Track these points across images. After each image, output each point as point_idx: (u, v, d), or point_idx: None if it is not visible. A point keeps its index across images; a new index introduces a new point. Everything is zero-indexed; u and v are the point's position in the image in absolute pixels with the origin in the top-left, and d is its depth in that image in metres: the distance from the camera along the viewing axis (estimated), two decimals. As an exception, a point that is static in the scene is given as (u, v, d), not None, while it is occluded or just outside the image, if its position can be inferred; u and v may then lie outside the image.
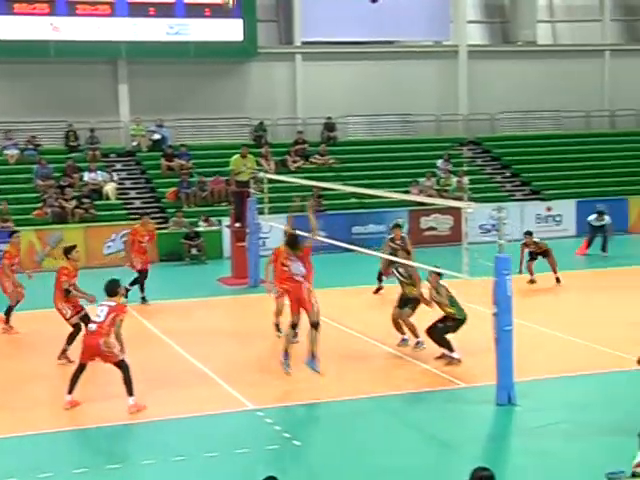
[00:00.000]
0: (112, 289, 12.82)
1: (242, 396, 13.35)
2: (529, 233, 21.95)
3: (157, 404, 12.99)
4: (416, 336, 15.48)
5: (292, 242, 14.94)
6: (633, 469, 8.08)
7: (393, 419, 12.52)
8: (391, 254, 17.51)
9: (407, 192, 27.75)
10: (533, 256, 21.37)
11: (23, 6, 29.54)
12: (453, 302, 14.87)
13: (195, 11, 30.93)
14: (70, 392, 12.82)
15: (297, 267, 14.56)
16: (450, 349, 14.78)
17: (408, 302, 15.49)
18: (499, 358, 12.68)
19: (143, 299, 20.12)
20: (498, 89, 34.27)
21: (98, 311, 12.71)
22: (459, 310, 14.88)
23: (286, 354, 14.33)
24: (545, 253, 21.31)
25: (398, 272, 15.72)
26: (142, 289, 20.18)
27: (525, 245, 21.44)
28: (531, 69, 34.94)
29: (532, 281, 21.15)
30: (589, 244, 25.69)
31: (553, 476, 10.36)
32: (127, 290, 19.51)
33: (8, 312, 17.91)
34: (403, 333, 15.82)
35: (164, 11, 30.72)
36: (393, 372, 14.63)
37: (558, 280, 21.02)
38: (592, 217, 25.86)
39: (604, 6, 36.47)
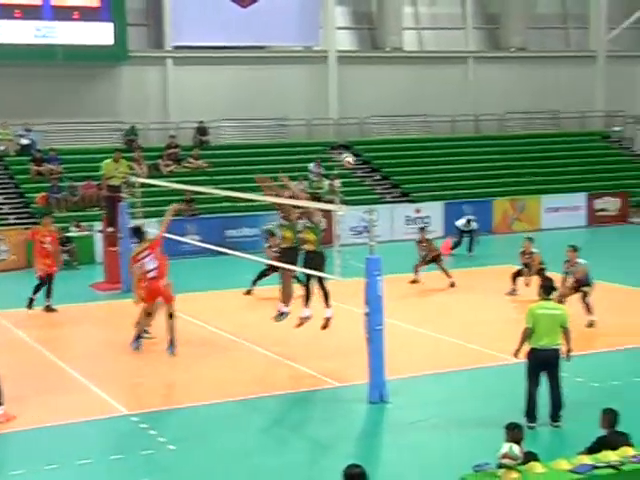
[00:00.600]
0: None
1: (116, 402, 13.14)
2: (422, 229, 22.48)
3: (30, 412, 12.66)
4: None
5: (136, 233, 15.64)
6: (499, 460, 8.32)
7: (268, 420, 12.54)
8: None
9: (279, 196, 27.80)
10: (426, 260, 21.58)
11: None
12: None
13: (63, 14, 30.19)
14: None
15: (150, 263, 14.67)
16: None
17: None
18: (371, 357, 12.85)
19: (47, 307, 19.36)
20: (367, 94, 34.73)
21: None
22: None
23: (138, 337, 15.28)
24: (436, 258, 21.58)
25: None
26: (48, 295, 19.38)
27: (419, 242, 21.81)
28: (399, 75, 35.55)
29: (415, 281, 21.46)
30: (456, 246, 26.24)
31: (424, 469, 10.58)
32: (31, 301, 18.94)
33: None
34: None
35: (31, 14, 29.87)
36: (267, 374, 14.65)
37: (453, 285, 21.18)
38: (460, 222, 26.45)
39: (466, 15, 37.44)
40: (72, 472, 10.62)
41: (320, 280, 14.68)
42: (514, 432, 8.74)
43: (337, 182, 30.29)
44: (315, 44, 35.23)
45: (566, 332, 11.73)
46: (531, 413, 11.57)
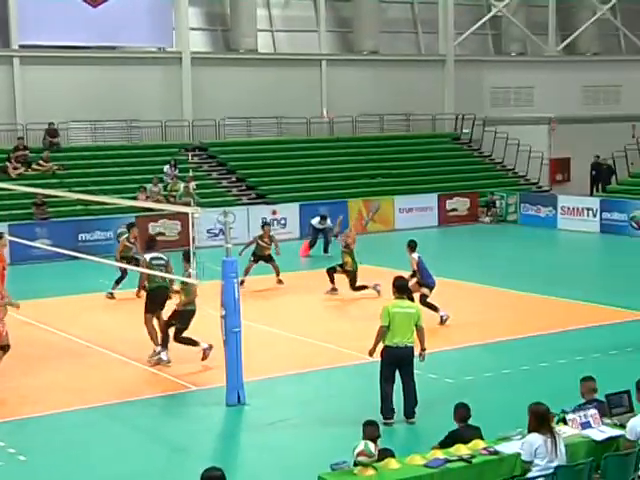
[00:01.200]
0: None
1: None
2: (267, 224, 22.43)
3: None
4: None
5: None
6: (355, 458, 8.42)
7: (124, 427, 12.31)
8: None
9: (134, 198, 27.43)
10: (256, 259, 21.57)
11: None
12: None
13: None
14: None
15: None
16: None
17: None
18: (228, 359, 12.81)
19: None
20: (222, 95, 34.59)
21: None
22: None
23: None
24: (268, 258, 21.57)
25: None
26: None
27: (260, 238, 21.41)
28: (253, 76, 35.55)
29: (242, 282, 20.94)
30: (312, 245, 26.49)
31: (283, 469, 10.61)
32: None
33: None
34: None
35: None
36: (123, 379, 14.39)
37: (280, 282, 21.45)
38: (315, 220, 26.70)
39: (320, 18, 37.80)
40: None
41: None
42: (370, 429, 8.86)
43: (192, 184, 30.10)
44: (168, 45, 34.86)
45: (420, 330, 11.94)
46: (387, 410, 11.77)
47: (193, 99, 34.44)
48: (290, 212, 30.34)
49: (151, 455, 11.24)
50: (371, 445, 8.39)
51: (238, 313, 12.78)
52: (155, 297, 15.22)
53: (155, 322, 15.22)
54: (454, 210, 33.40)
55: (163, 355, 14.85)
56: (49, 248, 22.89)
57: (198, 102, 34.40)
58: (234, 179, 33.05)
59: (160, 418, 12.69)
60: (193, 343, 14.75)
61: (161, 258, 15.46)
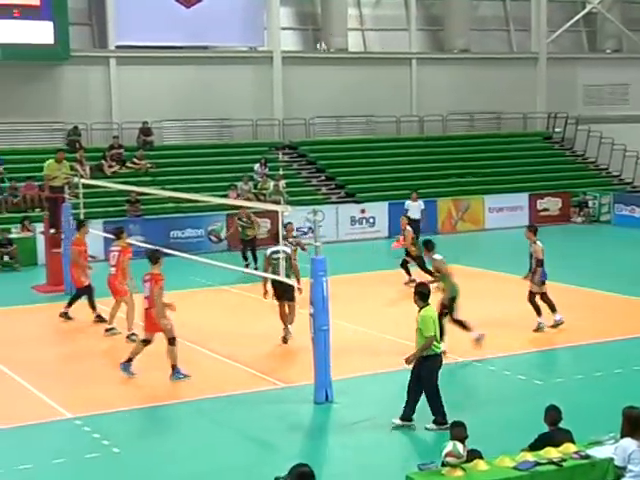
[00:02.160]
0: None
1: (59, 405, 12.95)
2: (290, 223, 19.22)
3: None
4: None
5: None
6: (443, 459, 8.36)
7: (213, 422, 12.45)
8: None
9: (225, 196, 27.71)
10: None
11: None
12: None
13: (3, 12, 29.73)
14: None
15: (145, 290, 14.48)
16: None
17: None
18: (316, 357, 12.84)
19: None
20: (312, 94, 34.72)
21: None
22: None
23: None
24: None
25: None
26: None
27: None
28: (343, 75, 35.60)
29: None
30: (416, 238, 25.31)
31: (370, 468, 10.58)
32: None
33: None
34: None
35: (-31, 11, 29.40)
36: (213, 375, 14.56)
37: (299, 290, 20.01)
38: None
39: (410, 17, 37.63)
40: (13, 478, 10.44)
41: None
42: (458, 430, 8.78)
43: (282, 183, 30.28)
44: (260, 45, 35.14)
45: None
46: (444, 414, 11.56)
47: (284, 98, 34.64)
48: (379, 211, 30.28)
49: (239, 450, 11.33)
50: (459, 446, 8.32)
51: (326, 311, 12.80)
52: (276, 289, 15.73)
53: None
54: (545, 210, 32.91)
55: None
56: (141, 245, 23.27)
57: (288, 101, 34.59)
58: (323, 178, 33.15)
59: (248, 414, 12.79)
60: None
61: (280, 252, 15.33)
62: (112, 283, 16.98)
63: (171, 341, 14.07)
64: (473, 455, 8.57)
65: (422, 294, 11.67)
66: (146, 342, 14.29)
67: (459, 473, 8.23)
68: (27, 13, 30.11)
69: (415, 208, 26.34)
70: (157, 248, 15.09)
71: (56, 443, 11.59)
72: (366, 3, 37.81)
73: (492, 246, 29.16)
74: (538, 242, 16.50)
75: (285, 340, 15.92)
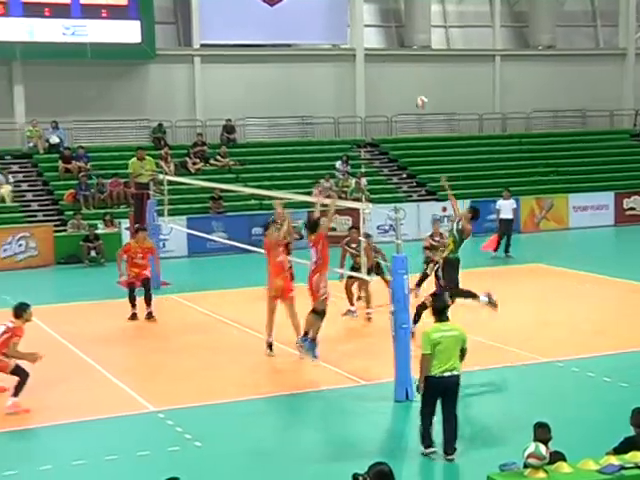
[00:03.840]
0: (17, 311, 12.81)
1: (143, 398, 13.18)
2: (355, 227, 18.34)
3: (56, 408, 12.75)
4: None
5: (312, 226, 14.79)
6: (525, 460, 8.26)
7: (293, 418, 12.53)
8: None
9: (308, 193, 27.77)
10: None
11: None
12: None
13: (92, 12, 30.39)
14: None
15: (311, 254, 14.51)
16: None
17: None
18: (397, 355, 12.81)
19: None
20: (394, 92, 34.60)
21: None
22: None
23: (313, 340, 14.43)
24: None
25: None
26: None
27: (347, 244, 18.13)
28: (426, 73, 35.42)
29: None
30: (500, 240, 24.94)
31: (450, 467, 10.52)
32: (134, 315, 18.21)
33: None
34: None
35: (60, 12, 30.09)
36: (293, 371, 14.64)
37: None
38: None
39: (495, 13, 37.26)
40: (99, 467, 10.67)
41: None
42: (541, 431, 8.67)
43: (363, 180, 30.26)
44: (342, 42, 35.18)
45: (464, 354, 10.66)
46: (429, 443, 10.72)
47: (366, 95, 34.64)
48: (461, 209, 29.90)
49: (319, 446, 11.37)
50: (542, 447, 8.21)
51: (407, 309, 12.77)
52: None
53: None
54: (632, 209, 32.24)
55: None
56: (224, 241, 23.54)
57: (370, 98, 34.57)
58: (405, 176, 33.03)
59: (328, 411, 12.83)
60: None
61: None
62: None
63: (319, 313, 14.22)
64: (556, 457, 8.45)
65: (433, 309, 10.90)
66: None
67: (541, 475, 8.12)
68: (115, 13, 30.71)
69: (507, 207, 25.82)
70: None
71: (140, 435, 11.80)
72: (450, 0, 37.55)
73: (576, 245, 28.69)
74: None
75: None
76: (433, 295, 10.79)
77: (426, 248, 19.05)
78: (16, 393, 12.51)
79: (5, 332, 12.71)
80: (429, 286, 16.88)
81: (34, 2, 29.77)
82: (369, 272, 16.14)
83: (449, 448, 10.58)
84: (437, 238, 19.40)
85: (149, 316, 18.20)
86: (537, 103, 36.48)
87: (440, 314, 10.61)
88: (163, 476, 7.01)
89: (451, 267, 15.31)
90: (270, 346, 15.16)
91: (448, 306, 10.82)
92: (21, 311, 12.89)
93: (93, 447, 11.27)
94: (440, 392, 10.42)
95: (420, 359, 10.49)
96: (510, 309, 18.76)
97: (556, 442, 8.71)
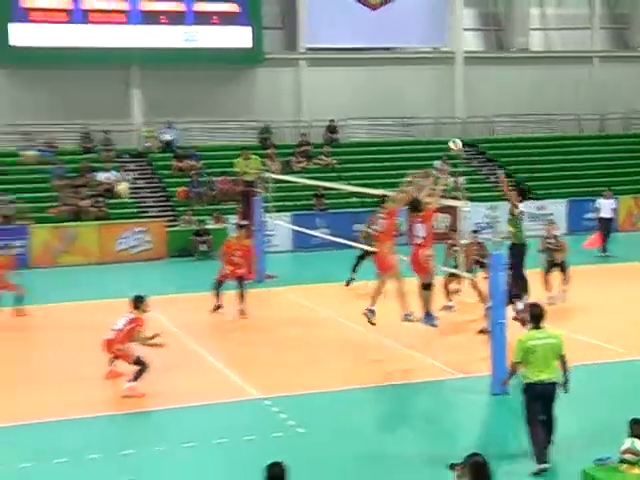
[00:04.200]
0: (135, 303, 13.37)
1: (249, 386, 13.39)
2: (475, 231, 18.69)
3: (168, 393, 13.06)
4: None
5: (415, 205, 14.82)
6: (620, 455, 8.13)
7: (392, 408, 12.57)
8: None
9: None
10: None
11: (40, 14, 29.60)
12: None
13: (204, 19, 30.95)
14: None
15: (418, 230, 14.58)
16: None
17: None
18: (493, 350, 12.72)
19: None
20: (493, 93, 34.25)
21: (119, 319, 13.36)
22: None
23: (429, 314, 14.74)
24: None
25: None
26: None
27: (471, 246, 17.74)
28: (524, 74, 34.93)
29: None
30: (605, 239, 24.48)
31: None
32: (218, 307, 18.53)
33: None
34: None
35: (175, 19, 30.74)
36: (391, 363, 14.66)
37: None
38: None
39: (594, 15, 36.46)
40: (209, 450, 10.90)
41: None
42: (637, 427, 8.50)
43: (461, 179, 29.97)
44: (442, 45, 34.96)
45: (563, 361, 10.17)
46: (541, 454, 10.05)
47: (465, 97, 34.36)
48: (557, 208, 29.55)
49: (417, 437, 11.39)
50: (638, 443, 8.07)
51: (504, 305, 12.67)
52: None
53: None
54: None
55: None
56: (327, 237, 23.67)
57: (469, 99, 34.28)
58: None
59: (426, 402, 12.83)
60: None
61: None
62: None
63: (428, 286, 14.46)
64: (651, 454, 8.28)
65: (531, 316, 10.38)
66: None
67: (637, 471, 7.99)
68: (226, 19, 31.17)
69: (607, 206, 25.39)
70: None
71: (247, 421, 11.99)
72: (549, 2, 36.90)
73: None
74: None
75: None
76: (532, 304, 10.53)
77: (541, 251, 18.85)
78: (135, 379, 12.88)
79: (129, 323, 13.22)
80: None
81: (152, 11, 30.47)
82: (471, 270, 16.24)
83: (546, 456, 10.06)
84: (552, 240, 19.02)
85: (241, 313, 18.21)
86: (635, 104, 35.56)
87: (537, 321, 10.18)
88: (268, 460, 7.13)
89: (518, 252, 15.36)
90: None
91: (544, 313, 10.31)
92: (138, 303, 13.35)
93: (202, 431, 11.52)
94: (537, 398, 10.10)
95: (510, 364, 10.37)
96: (610, 307, 18.34)
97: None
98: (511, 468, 10.14)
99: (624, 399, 12.28)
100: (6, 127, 29.79)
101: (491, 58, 35.41)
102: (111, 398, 13.03)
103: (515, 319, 14.46)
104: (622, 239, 28.07)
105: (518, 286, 15.19)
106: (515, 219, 15.72)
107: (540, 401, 10.09)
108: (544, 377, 9.97)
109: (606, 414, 11.71)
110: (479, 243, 17.81)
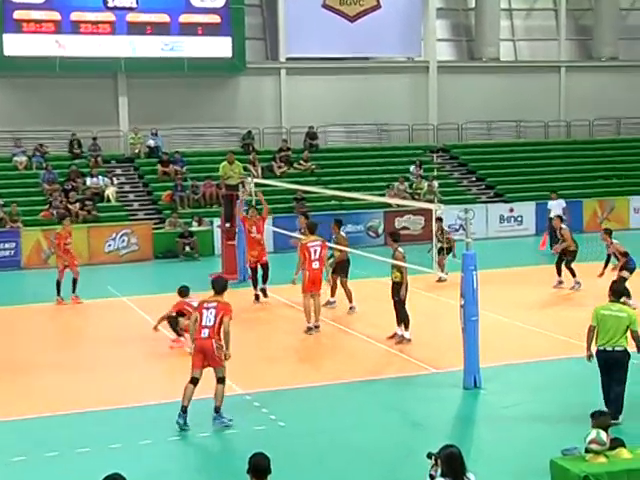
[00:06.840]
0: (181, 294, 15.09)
1: (231, 381, 13.27)
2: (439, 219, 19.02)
3: (150, 389, 12.94)
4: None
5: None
6: (586, 445, 8.14)
7: (369, 402, 12.52)
8: None
9: (383, 195, 27.77)
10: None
11: (31, 25, 29.42)
12: None
13: (188, 30, 30.84)
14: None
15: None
16: None
17: None
18: (466, 345, 12.72)
19: (263, 290, 19.57)
20: (465, 101, 34.38)
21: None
22: None
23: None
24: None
25: None
26: (264, 281, 19.65)
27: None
28: (495, 83, 35.07)
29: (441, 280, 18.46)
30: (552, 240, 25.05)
31: (515, 450, 10.42)
32: (257, 296, 19.25)
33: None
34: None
35: (160, 30, 30.59)
36: (368, 359, 14.65)
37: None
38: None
39: (560, 27, 36.68)
40: (193, 444, 10.85)
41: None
42: (601, 419, 8.52)
43: (435, 183, 30.11)
44: (417, 55, 35.04)
45: (635, 335, 10.71)
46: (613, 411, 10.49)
47: (438, 104, 34.45)
48: (526, 210, 29.69)
49: (393, 429, 11.36)
50: (603, 434, 8.08)
51: (476, 303, 12.67)
52: None
53: None
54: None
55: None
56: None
57: (442, 107, 34.38)
58: (474, 179, 32.75)
59: (399, 396, 12.79)
60: None
61: None
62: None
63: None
64: (616, 443, 8.31)
65: (611, 289, 11.12)
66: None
67: (602, 460, 8.00)
68: (209, 30, 31.09)
69: (556, 207, 25.67)
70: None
71: (230, 415, 11.91)
72: (518, 14, 37.07)
73: (636, 245, 28.02)
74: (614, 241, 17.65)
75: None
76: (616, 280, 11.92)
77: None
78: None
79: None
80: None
81: (137, 22, 30.32)
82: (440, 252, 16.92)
83: (613, 413, 10.25)
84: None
85: (263, 292, 19.27)
86: (600, 111, 35.78)
87: (615, 295, 10.98)
88: (251, 451, 7.08)
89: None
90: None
91: (625, 292, 11.36)
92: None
93: (191, 424, 11.43)
94: (603, 363, 10.76)
95: (587, 329, 10.95)
96: (572, 302, 18.38)
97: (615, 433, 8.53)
98: (484, 456, 10.15)
99: (587, 391, 12.30)
100: (-2, 133, 29.63)
101: (463, 67, 35.54)
102: (108, 392, 12.90)
103: None
104: (586, 239, 28.15)
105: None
106: None
107: (605, 365, 10.76)
108: (607, 343, 10.66)
109: (571, 403, 11.74)
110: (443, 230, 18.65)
